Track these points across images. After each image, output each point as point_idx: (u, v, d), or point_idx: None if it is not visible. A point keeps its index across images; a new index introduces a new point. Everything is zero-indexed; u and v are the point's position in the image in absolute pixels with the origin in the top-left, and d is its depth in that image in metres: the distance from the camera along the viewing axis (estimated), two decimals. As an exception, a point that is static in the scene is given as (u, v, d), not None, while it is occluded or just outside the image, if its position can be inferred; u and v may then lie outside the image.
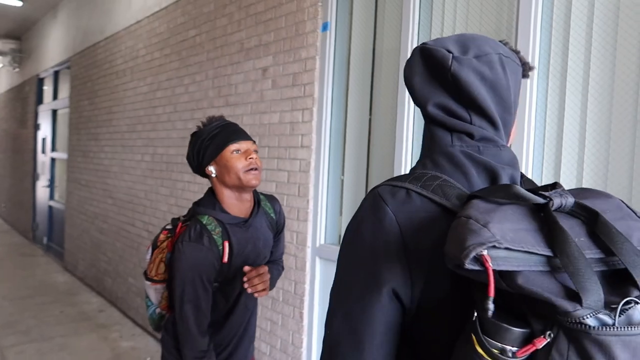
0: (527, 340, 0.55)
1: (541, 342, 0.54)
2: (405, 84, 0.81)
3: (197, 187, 3.61)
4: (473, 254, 0.54)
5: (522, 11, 1.81)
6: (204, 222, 1.56)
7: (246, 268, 1.60)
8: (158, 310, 1.73)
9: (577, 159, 1.71)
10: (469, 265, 0.54)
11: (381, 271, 0.69)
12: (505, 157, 0.76)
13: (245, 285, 1.59)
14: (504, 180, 0.74)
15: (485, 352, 0.55)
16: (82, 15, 6.16)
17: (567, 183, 1.73)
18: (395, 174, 2.26)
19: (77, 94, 6.22)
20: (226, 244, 1.56)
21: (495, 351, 0.55)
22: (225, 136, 1.56)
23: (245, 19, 3.20)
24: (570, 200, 0.62)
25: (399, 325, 0.71)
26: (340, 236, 2.67)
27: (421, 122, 2.24)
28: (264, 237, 1.70)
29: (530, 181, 0.81)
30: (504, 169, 0.74)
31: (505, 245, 0.54)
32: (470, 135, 0.75)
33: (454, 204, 0.68)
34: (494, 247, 0.54)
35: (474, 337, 0.56)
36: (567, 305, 0.52)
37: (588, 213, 0.61)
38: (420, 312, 0.70)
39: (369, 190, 0.78)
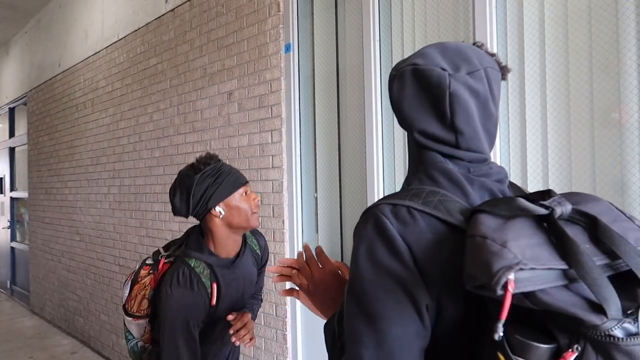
0: (555, 355, 0.55)
1: (571, 356, 0.54)
2: (393, 107, 0.80)
3: (168, 215, 3.55)
4: (504, 280, 0.53)
5: (478, 22, 1.88)
6: (192, 265, 1.55)
7: (230, 317, 1.59)
8: (140, 343, 1.69)
9: (542, 152, 1.78)
10: (501, 291, 0.53)
11: (407, 293, 0.67)
12: (494, 174, 0.78)
13: (233, 339, 1.59)
14: (497, 195, 0.75)
15: None
16: (36, 50, 6.03)
17: (534, 183, 1.79)
18: (368, 188, 2.28)
19: (36, 129, 6.04)
20: (214, 286, 1.55)
21: None
22: (235, 178, 1.58)
23: (207, 44, 3.21)
24: (568, 207, 0.63)
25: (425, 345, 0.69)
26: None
27: (389, 134, 2.28)
28: (248, 274, 1.70)
29: (518, 188, 0.83)
30: (494, 185, 0.76)
31: (530, 265, 0.54)
32: (459, 159, 0.76)
33: (458, 219, 0.68)
34: (520, 269, 0.54)
35: (501, 357, 0.57)
36: (595, 318, 0.52)
37: (587, 218, 0.62)
38: (435, 336, 0.69)
39: (368, 210, 0.75)
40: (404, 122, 0.80)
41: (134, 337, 1.68)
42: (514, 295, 0.53)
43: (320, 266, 0.98)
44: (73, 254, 5.09)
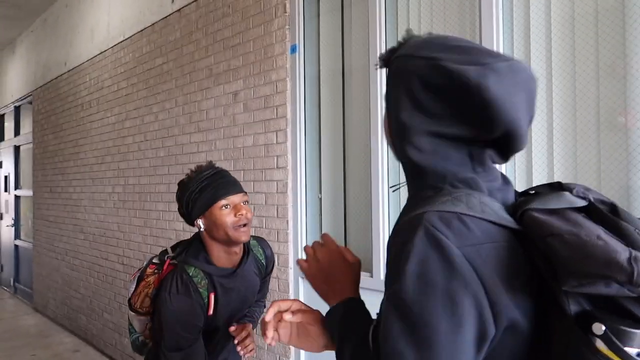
0: None
1: None
2: (479, 104, 0.69)
3: (172, 215, 3.56)
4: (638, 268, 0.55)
5: (485, 25, 1.89)
6: (191, 274, 1.53)
7: (232, 329, 1.59)
8: (141, 338, 1.73)
9: (547, 155, 1.78)
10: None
11: (465, 316, 0.63)
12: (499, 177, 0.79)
13: (238, 349, 1.60)
14: (508, 198, 0.76)
15: None
16: (42, 49, 6.06)
17: (540, 181, 1.79)
18: (373, 189, 2.29)
19: (41, 128, 6.07)
20: (212, 296, 1.54)
21: (636, 357, 0.57)
22: (214, 191, 1.50)
23: (213, 44, 3.22)
24: (592, 196, 0.66)
25: None
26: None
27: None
28: (250, 283, 1.68)
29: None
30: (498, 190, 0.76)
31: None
32: (490, 169, 0.76)
33: (508, 220, 0.67)
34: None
35: (604, 349, 0.57)
36: None
37: (607, 205, 0.66)
38: (499, 349, 0.66)
39: (412, 219, 0.68)
40: (494, 120, 0.69)
41: (135, 332, 1.72)
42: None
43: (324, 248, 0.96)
44: (77, 253, 5.10)
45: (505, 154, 0.77)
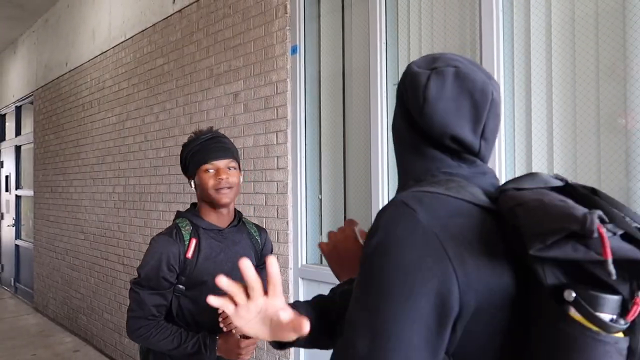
0: (622, 305, 0.58)
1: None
2: (420, 106, 0.76)
3: (173, 215, 3.55)
4: (596, 222, 0.55)
5: (485, 26, 1.89)
6: (178, 222, 1.67)
7: (213, 301, 1.59)
8: None
9: (547, 157, 1.78)
10: (596, 234, 0.54)
11: (418, 288, 0.63)
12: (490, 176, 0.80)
13: (221, 325, 1.59)
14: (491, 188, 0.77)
15: (599, 327, 0.57)
16: (44, 50, 6.07)
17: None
18: (373, 189, 2.29)
19: (42, 128, 6.08)
20: (193, 241, 1.63)
21: (607, 321, 0.57)
22: (203, 155, 1.62)
23: (214, 45, 3.23)
24: (567, 179, 0.69)
25: (438, 349, 0.65)
26: (321, 256, 2.67)
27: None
28: (241, 252, 1.71)
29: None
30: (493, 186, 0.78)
31: (599, 214, 0.57)
32: (473, 163, 0.78)
33: (484, 201, 0.69)
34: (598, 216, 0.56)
35: (577, 316, 0.58)
36: None
37: (587, 189, 0.68)
38: (476, 326, 0.65)
39: (390, 202, 0.71)
40: (432, 123, 0.75)
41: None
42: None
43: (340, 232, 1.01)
44: (77, 253, 5.11)
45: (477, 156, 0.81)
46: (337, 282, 0.97)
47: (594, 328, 0.57)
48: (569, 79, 1.73)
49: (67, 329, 5.31)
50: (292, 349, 2.67)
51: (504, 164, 1.85)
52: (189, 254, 1.61)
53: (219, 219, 1.70)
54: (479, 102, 0.75)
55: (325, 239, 2.64)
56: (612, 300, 0.57)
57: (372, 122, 2.31)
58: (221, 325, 1.58)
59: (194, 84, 3.41)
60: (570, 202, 0.60)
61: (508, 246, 0.65)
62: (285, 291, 2.68)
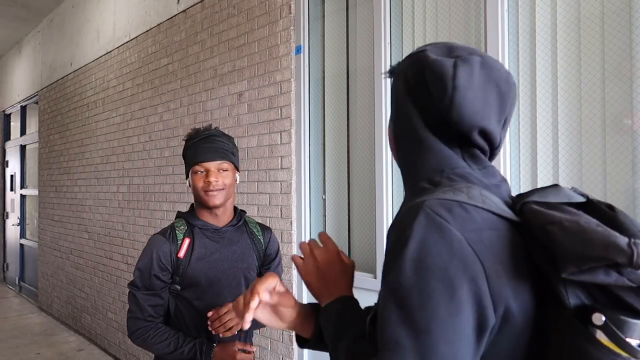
0: None
1: None
2: (449, 95, 0.71)
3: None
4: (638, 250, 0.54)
5: (490, 25, 1.88)
6: (175, 222, 1.68)
7: (210, 313, 1.59)
8: None
9: (552, 158, 1.77)
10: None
11: (464, 301, 0.61)
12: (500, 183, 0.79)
13: (210, 328, 1.57)
14: (504, 196, 0.76)
15: (628, 352, 0.56)
16: (48, 50, 6.09)
17: (545, 183, 1.78)
18: (377, 190, 2.29)
19: (47, 128, 6.10)
20: (186, 240, 1.63)
21: (636, 346, 0.56)
22: (193, 156, 1.62)
23: (218, 45, 3.23)
24: (588, 195, 0.68)
25: (478, 351, 0.64)
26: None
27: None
28: (240, 254, 1.70)
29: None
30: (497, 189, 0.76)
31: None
32: (482, 163, 0.76)
33: (508, 212, 0.67)
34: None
35: (605, 340, 0.57)
36: None
37: (606, 205, 0.67)
38: (500, 340, 0.65)
39: (413, 206, 0.68)
40: (462, 113, 0.71)
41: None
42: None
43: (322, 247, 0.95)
44: (81, 252, 5.13)
45: (483, 152, 0.78)
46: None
47: (624, 354, 0.57)
48: (575, 79, 1.72)
49: (71, 328, 5.33)
50: (295, 350, 2.67)
51: (508, 164, 1.85)
52: (181, 254, 1.60)
53: (215, 219, 1.69)
54: (505, 92, 0.73)
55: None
56: (638, 325, 0.57)
57: (377, 122, 2.31)
58: (210, 328, 1.55)
59: (198, 84, 3.41)
60: (607, 228, 0.58)
61: (532, 261, 0.65)
62: (290, 291, 2.68)
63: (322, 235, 0.97)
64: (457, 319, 0.61)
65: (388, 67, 2.36)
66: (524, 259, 0.65)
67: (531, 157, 1.83)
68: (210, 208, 1.64)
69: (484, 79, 0.72)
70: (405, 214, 0.68)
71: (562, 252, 0.59)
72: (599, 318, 0.57)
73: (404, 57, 0.83)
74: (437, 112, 0.73)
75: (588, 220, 0.60)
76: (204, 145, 1.61)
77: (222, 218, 1.70)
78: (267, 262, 1.80)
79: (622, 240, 0.55)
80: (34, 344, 4.86)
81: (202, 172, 1.61)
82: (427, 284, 0.62)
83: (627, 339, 0.56)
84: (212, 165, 1.61)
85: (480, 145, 0.75)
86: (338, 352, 0.79)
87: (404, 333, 0.62)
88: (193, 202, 1.75)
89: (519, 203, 0.69)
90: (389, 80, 2.32)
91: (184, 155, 1.67)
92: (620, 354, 0.56)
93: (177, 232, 1.63)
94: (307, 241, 0.96)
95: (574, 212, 0.63)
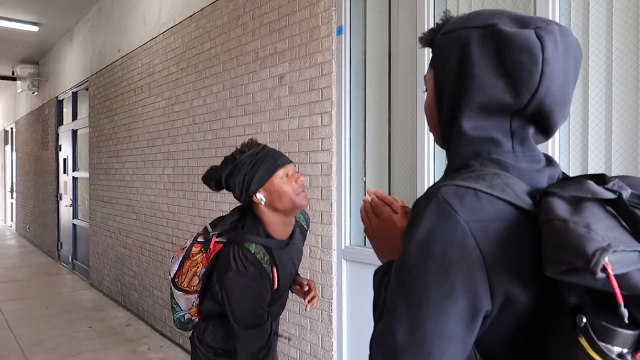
0: (638, 340, 0.56)
1: None
2: (540, 69, 0.68)
3: (219, 196, 3.64)
4: (602, 262, 0.52)
5: (539, 2, 1.81)
6: (253, 251, 1.56)
7: (297, 289, 1.71)
8: (187, 315, 1.77)
9: (605, 152, 1.69)
10: (601, 273, 0.52)
11: (457, 286, 0.65)
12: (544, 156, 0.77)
13: (308, 307, 1.69)
14: (543, 182, 0.73)
15: (602, 357, 0.56)
16: (98, 37, 6.30)
17: (596, 171, 1.71)
18: (418, 173, 2.26)
19: (96, 113, 6.34)
20: (274, 270, 1.59)
21: (613, 356, 0.56)
22: (272, 162, 1.57)
23: (259, 28, 3.25)
24: (628, 192, 0.63)
25: (469, 342, 0.68)
26: (365, 237, 2.67)
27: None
28: (300, 251, 1.77)
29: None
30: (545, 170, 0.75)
31: (621, 247, 0.54)
32: (532, 151, 0.75)
33: (527, 203, 0.67)
34: (614, 251, 0.53)
35: (585, 343, 0.57)
36: None
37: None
38: (497, 325, 0.68)
39: (431, 190, 0.71)
40: (549, 87, 0.69)
41: (181, 310, 1.76)
42: (601, 279, 0.53)
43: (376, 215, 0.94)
44: (129, 232, 5.33)
45: (546, 130, 0.76)
46: (380, 263, 0.94)
47: (597, 358, 0.56)
48: (632, 61, 1.62)
49: (120, 304, 5.58)
50: (334, 330, 2.69)
51: (557, 155, 1.78)
52: (275, 285, 1.59)
53: (286, 229, 1.65)
54: (578, 61, 0.71)
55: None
56: (625, 335, 0.56)
57: (419, 105, 2.27)
58: (308, 307, 1.70)
59: (240, 67, 3.45)
60: (601, 232, 0.56)
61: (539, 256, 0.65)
62: (329, 272, 2.71)
63: (374, 197, 0.96)
64: (447, 302, 0.65)
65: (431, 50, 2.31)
66: (532, 252, 0.64)
67: (582, 152, 1.75)
68: (292, 213, 1.63)
69: (564, 49, 0.69)
70: (423, 196, 0.72)
71: (544, 250, 0.60)
72: (580, 319, 0.58)
73: (446, 32, 0.77)
74: (505, 90, 0.70)
75: (579, 221, 0.57)
76: (272, 153, 1.60)
77: (292, 226, 1.68)
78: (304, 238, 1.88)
79: (593, 245, 0.54)
80: (86, 318, 5.12)
81: (286, 176, 1.58)
82: (425, 266, 0.67)
83: (607, 345, 0.55)
84: (291, 168, 1.61)
85: (552, 120, 0.73)
86: (377, 304, 0.83)
87: (400, 304, 0.69)
88: (251, 215, 1.64)
89: (537, 194, 0.68)
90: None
91: (246, 176, 1.56)
92: (594, 358, 0.56)
93: (264, 265, 1.56)
94: (368, 198, 0.96)
95: (579, 209, 0.60)
